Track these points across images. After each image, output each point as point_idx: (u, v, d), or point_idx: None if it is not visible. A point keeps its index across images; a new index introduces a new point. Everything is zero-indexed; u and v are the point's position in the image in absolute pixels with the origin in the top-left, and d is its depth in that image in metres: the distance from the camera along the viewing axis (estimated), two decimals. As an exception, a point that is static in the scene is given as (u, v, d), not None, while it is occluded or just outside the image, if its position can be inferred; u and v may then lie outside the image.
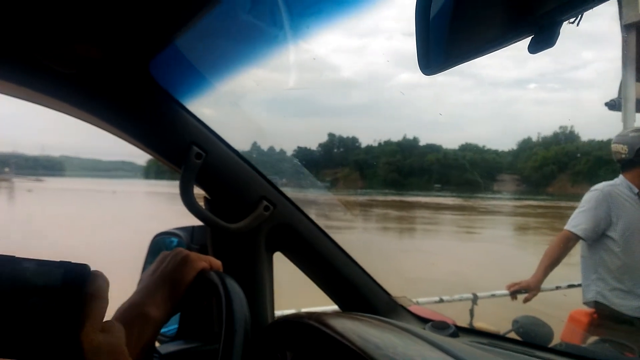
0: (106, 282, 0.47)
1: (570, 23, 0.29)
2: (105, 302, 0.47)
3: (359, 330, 0.77)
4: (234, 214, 1.14)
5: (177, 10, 0.77)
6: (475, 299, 2.78)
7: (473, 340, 1.27)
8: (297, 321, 0.90)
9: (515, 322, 1.90)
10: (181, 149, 1.05)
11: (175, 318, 1.32)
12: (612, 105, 3.01)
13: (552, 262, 3.01)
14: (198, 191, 1.12)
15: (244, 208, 1.15)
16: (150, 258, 1.47)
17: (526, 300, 2.91)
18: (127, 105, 1.01)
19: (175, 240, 1.40)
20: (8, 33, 0.81)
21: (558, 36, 0.29)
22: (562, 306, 3.37)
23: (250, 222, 1.14)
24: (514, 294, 2.96)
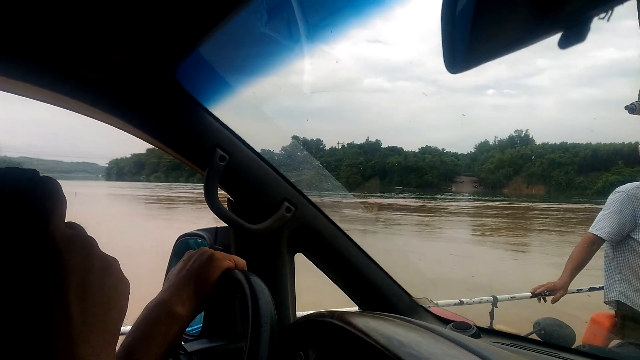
0: (58, 184, 0.44)
1: (600, 19, 0.30)
2: (64, 201, 0.43)
3: (382, 328, 0.78)
4: (257, 216, 1.16)
5: (201, 17, 0.79)
6: (495, 302, 2.76)
7: (495, 341, 1.27)
8: (319, 320, 0.91)
9: (536, 323, 1.88)
10: (205, 152, 1.07)
11: (199, 317, 1.34)
12: (632, 109, 2.97)
13: (577, 265, 2.98)
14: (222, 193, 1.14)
15: (266, 209, 1.17)
16: (175, 259, 1.50)
17: (554, 301, 2.90)
18: (153, 110, 1.03)
19: (199, 241, 1.42)
20: (39, 40, 0.83)
21: (589, 31, 0.30)
22: (587, 308, 3.34)
23: (272, 224, 1.16)
24: (538, 296, 2.94)
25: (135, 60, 0.92)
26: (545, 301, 2.92)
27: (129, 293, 0.48)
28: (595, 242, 2.96)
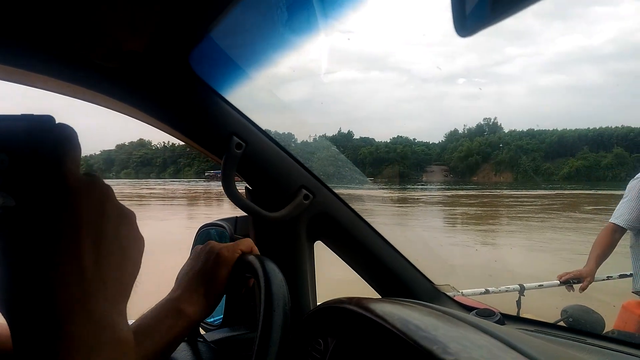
0: (74, 131, 0.43)
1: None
2: (79, 148, 0.43)
3: (399, 313, 0.76)
4: (275, 203, 1.15)
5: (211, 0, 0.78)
6: (522, 290, 2.71)
7: (520, 327, 1.24)
8: (337, 307, 0.90)
9: (564, 311, 1.84)
10: (222, 140, 1.07)
11: (220, 308, 1.35)
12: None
13: (601, 252, 2.96)
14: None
15: (284, 197, 1.16)
16: (196, 249, 1.51)
17: (582, 289, 2.88)
18: (169, 98, 1.03)
19: (220, 231, 1.43)
20: (53, 31, 0.84)
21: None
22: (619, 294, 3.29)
23: (291, 211, 1.15)
24: (565, 284, 2.91)
25: (149, 47, 0.92)
26: (573, 290, 2.88)
27: (143, 249, 0.47)
28: (616, 231, 2.96)
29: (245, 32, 0.98)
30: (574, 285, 2.88)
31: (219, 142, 1.07)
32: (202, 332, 1.19)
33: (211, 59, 1.03)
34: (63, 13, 0.79)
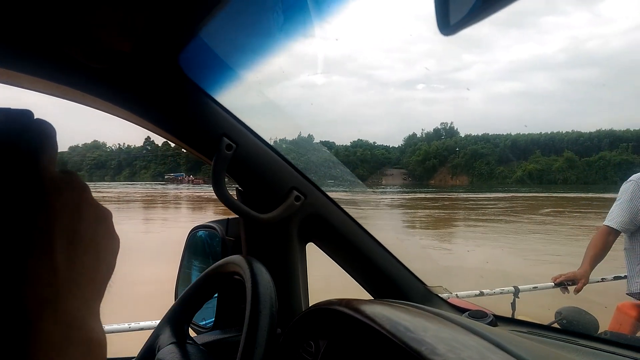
0: (53, 127, 0.42)
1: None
2: (55, 144, 0.42)
3: (389, 314, 0.76)
4: (266, 205, 1.15)
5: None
6: (517, 292, 2.72)
7: (513, 329, 1.24)
8: (328, 308, 0.90)
9: (558, 313, 1.84)
10: (212, 141, 1.06)
11: (212, 311, 1.34)
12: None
13: (595, 255, 2.97)
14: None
15: (275, 199, 1.16)
16: (188, 252, 1.51)
17: (577, 291, 2.88)
18: (158, 99, 1.03)
19: (212, 233, 1.42)
20: (40, 30, 0.83)
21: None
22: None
23: (281, 212, 1.14)
24: (559, 286, 2.91)
25: (138, 48, 0.91)
26: (568, 292, 2.88)
27: (118, 250, 0.46)
28: (610, 233, 2.97)
29: (235, 32, 0.98)
30: (568, 287, 2.89)
31: (209, 143, 1.06)
32: (193, 334, 1.18)
33: (201, 60, 1.02)
34: (50, 13, 0.78)
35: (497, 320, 1.29)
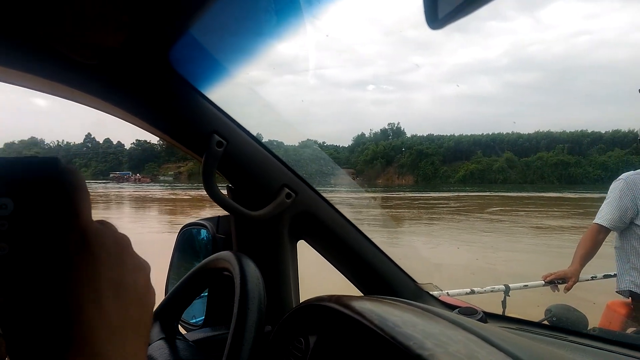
0: (81, 174, 0.41)
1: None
2: (88, 193, 0.41)
3: (378, 310, 0.76)
4: (257, 202, 1.15)
5: None
6: (507, 290, 2.73)
7: (503, 326, 1.25)
8: (317, 304, 0.90)
9: (548, 310, 1.86)
10: (202, 138, 1.06)
11: (202, 309, 1.34)
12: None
13: (586, 252, 3.00)
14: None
15: (266, 196, 1.15)
16: (179, 249, 1.50)
17: (567, 290, 2.90)
18: (148, 96, 1.02)
19: (202, 231, 1.42)
20: (31, 26, 0.83)
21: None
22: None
23: (272, 210, 1.14)
24: (549, 284, 2.93)
25: (128, 44, 0.91)
26: (558, 290, 2.90)
27: (154, 303, 0.46)
28: (600, 231, 3.00)
29: (225, 29, 0.98)
30: (558, 286, 2.90)
31: (200, 140, 1.06)
32: (183, 332, 1.18)
33: (191, 56, 1.02)
34: (38, 7, 0.78)
35: (488, 317, 1.29)
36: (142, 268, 0.44)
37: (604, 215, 2.98)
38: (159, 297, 1.15)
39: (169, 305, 1.02)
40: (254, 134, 1.14)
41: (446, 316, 0.77)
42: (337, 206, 1.25)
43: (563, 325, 1.76)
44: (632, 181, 2.91)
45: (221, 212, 1.25)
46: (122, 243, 0.43)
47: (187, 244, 1.49)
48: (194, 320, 1.38)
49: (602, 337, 1.19)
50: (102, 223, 0.43)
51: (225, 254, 0.87)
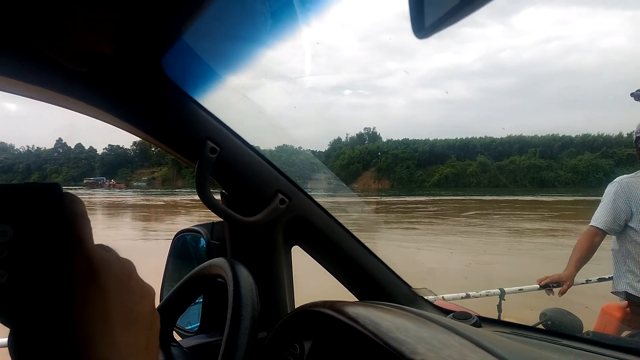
0: (82, 202, 0.41)
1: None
2: (89, 220, 0.40)
3: (371, 315, 0.77)
4: (251, 208, 1.15)
5: (182, 1, 0.78)
6: (502, 294, 2.74)
7: (497, 330, 1.25)
8: (311, 310, 0.90)
9: (542, 314, 1.86)
10: (196, 144, 1.06)
11: (197, 315, 1.34)
12: (638, 96, 2.99)
13: (581, 256, 3.01)
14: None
15: (259, 202, 1.16)
16: (173, 256, 1.50)
17: (561, 293, 2.92)
18: (141, 103, 1.02)
19: (196, 237, 1.42)
20: (21, 32, 0.83)
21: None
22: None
23: (266, 216, 1.14)
24: (544, 288, 2.94)
25: (121, 51, 0.91)
26: (553, 293, 2.91)
27: (159, 327, 0.45)
28: (596, 234, 3.02)
29: (219, 35, 0.98)
30: (553, 289, 2.92)
31: (193, 147, 1.06)
32: (178, 338, 1.17)
33: (184, 63, 1.02)
34: (30, 14, 0.78)
35: (482, 321, 1.30)
36: (148, 293, 0.44)
37: (599, 217, 3.00)
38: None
39: (163, 312, 1.02)
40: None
41: (439, 321, 0.78)
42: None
43: (557, 329, 1.77)
44: (627, 184, 2.94)
45: (215, 218, 1.25)
46: (128, 269, 0.42)
47: (182, 250, 1.49)
48: (189, 327, 1.38)
49: (596, 341, 1.20)
50: (105, 249, 0.42)
51: (219, 260, 0.87)
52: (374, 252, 1.31)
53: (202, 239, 1.36)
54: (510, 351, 0.69)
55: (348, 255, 1.27)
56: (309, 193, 1.23)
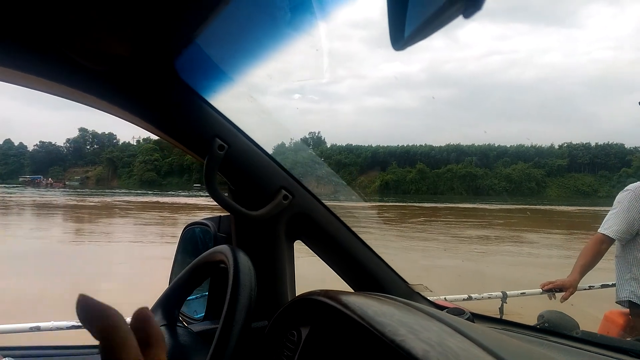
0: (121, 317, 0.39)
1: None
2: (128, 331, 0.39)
3: (361, 302, 0.82)
4: (256, 203, 1.21)
5: (197, 5, 0.84)
6: (504, 297, 2.77)
7: (489, 326, 1.30)
8: (308, 298, 0.96)
9: (540, 316, 1.90)
10: (205, 142, 1.13)
11: (203, 305, 1.40)
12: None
13: (587, 263, 2.99)
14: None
15: (264, 197, 1.22)
16: (182, 247, 1.57)
17: (563, 299, 2.90)
18: (155, 101, 1.09)
19: (204, 229, 1.49)
20: (42, 31, 0.90)
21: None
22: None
23: (270, 210, 1.21)
24: (547, 292, 2.95)
25: (137, 52, 0.98)
26: (555, 298, 2.92)
27: None
28: (604, 242, 2.98)
29: (229, 39, 1.05)
30: (555, 294, 2.92)
31: (202, 144, 1.13)
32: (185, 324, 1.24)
33: (196, 64, 1.09)
34: (53, 14, 0.85)
35: (478, 319, 1.34)
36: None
37: (611, 226, 2.96)
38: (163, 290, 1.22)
39: (171, 295, 1.09)
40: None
41: (424, 309, 0.83)
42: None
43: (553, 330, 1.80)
44: None
45: (222, 212, 1.32)
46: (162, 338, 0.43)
47: (190, 242, 1.56)
48: (196, 316, 1.44)
49: (585, 339, 1.24)
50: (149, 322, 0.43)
51: (222, 247, 0.93)
52: (374, 249, 1.36)
53: (209, 231, 1.42)
54: (489, 339, 0.74)
55: (348, 251, 1.32)
56: (311, 190, 1.29)
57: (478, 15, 0.38)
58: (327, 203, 1.31)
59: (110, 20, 0.86)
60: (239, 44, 1.07)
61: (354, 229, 1.33)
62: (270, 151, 1.23)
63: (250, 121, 1.24)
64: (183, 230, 1.56)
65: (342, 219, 1.32)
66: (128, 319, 0.42)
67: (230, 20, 0.94)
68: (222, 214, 1.41)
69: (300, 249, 1.36)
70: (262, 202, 1.21)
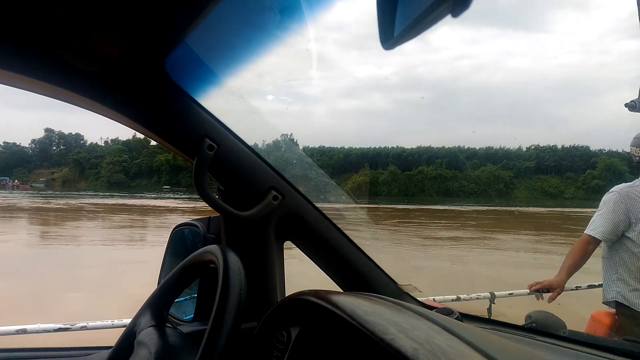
0: None
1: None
2: None
3: (350, 301, 0.82)
4: (245, 204, 1.21)
5: (187, 6, 0.84)
6: (492, 298, 2.79)
7: (477, 326, 1.31)
8: (298, 298, 0.96)
9: (528, 316, 1.91)
10: (194, 142, 1.12)
11: (192, 307, 1.40)
12: (632, 106, 3.02)
13: (574, 263, 3.02)
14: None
15: (254, 198, 1.22)
16: (171, 248, 1.56)
17: (551, 299, 2.94)
18: (144, 101, 1.09)
19: (193, 230, 1.48)
20: (33, 31, 0.90)
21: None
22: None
23: (260, 211, 1.21)
24: (535, 293, 2.97)
25: (127, 53, 0.98)
26: (542, 299, 2.95)
27: None
28: (590, 243, 3.02)
29: (218, 39, 1.05)
30: (543, 295, 2.95)
31: (192, 144, 1.12)
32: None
33: (186, 64, 1.08)
34: (44, 15, 0.85)
35: (467, 318, 1.35)
36: None
37: (597, 227, 3.00)
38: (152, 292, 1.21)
39: (159, 295, 1.08)
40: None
41: (414, 309, 0.84)
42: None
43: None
44: (626, 194, 2.95)
45: (212, 212, 1.31)
46: None
47: (179, 243, 1.55)
48: (185, 317, 1.44)
49: (572, 339, 1.25)
50: None
51: (212, 247, 0.93)
52: (363, 250, 1.37)
53: (199, 232, 1.42)
54: (477, 337, 0.75)
55: (337, 251, 1.33)
56: (301, 190, 1.30)
57: (448, 19, 0.38)
58: (318, 205, 1.31)
59: (100, 20, 0.86)
60: (229, 44, 1.07)
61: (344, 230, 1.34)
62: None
63: (242, 121, 1.25)
64: (172, 231, 1.56)
65: (332, 219, 1.32)
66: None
67: (220, 19, 0.94)
68: (211, 215, 1.41)
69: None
70: (251, 202, 1.21)
